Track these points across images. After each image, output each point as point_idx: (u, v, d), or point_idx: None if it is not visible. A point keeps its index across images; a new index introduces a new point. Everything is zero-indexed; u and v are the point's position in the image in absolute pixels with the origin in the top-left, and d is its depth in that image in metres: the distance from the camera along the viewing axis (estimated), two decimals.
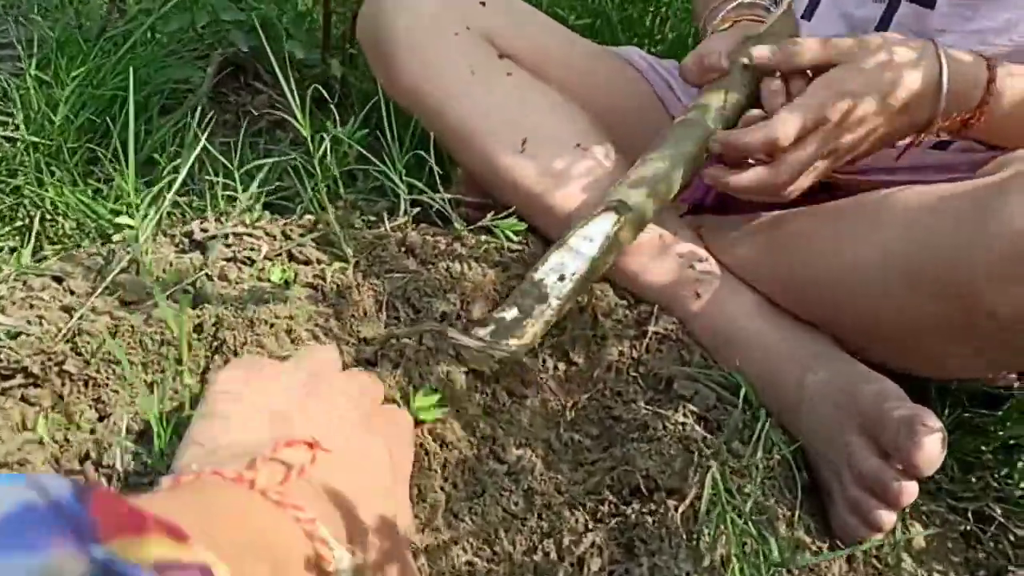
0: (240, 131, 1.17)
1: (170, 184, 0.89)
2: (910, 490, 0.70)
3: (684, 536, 0.68)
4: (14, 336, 0.70)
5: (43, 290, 0.76)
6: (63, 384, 0.67)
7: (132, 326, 0.71)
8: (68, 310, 0.73)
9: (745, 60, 0.87)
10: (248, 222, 0.89)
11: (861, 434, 0.74)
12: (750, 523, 0.67)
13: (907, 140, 0.86)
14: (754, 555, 0.66)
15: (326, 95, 1.03)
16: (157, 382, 0.69)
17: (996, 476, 0.87)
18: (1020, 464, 0.86)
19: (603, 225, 0.84)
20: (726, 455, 0.74)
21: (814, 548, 0.73)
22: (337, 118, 1.02)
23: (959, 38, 0.87)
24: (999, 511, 0.85)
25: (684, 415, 0.78)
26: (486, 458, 0.73)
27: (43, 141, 1.10)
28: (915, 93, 0.79)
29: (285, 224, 0.90)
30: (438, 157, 0.97)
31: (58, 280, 0.78)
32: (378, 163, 0.95)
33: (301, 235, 0.88)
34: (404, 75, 0.97)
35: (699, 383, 0.82)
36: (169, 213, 1.02)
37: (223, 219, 0.91)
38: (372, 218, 0.96)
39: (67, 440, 0.65)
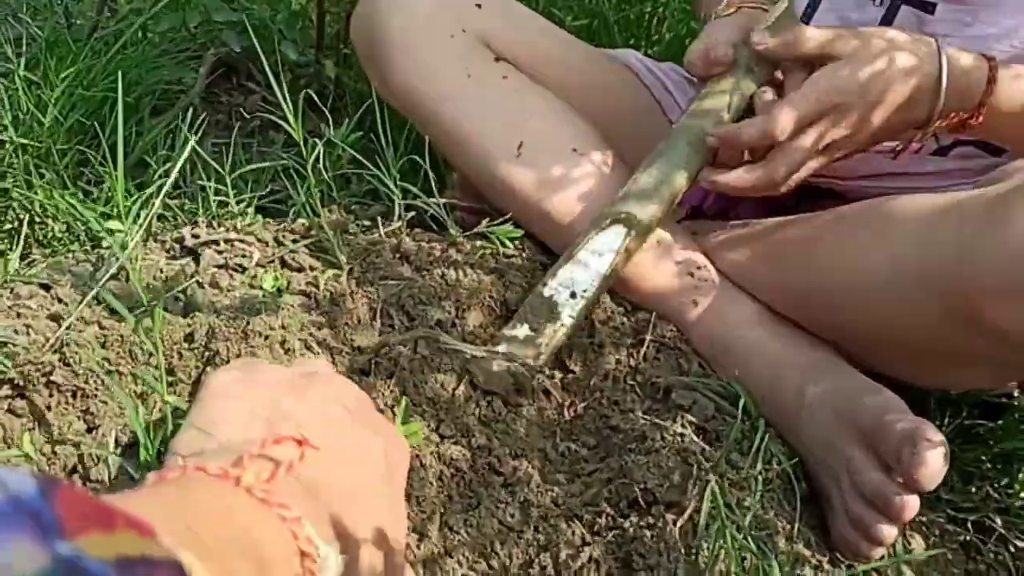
0: (232, 132, 1.16)
1: (160, 188, 0.88)
2: (912, 505, 0.69)
3: (683, 551, 0.67)
4: (0, 346, 0.68)
5: (31, 298, 0.74)
6: (50, 395, 0.66)
7: (121, 336, 0.69)
8: (56, 319, 0.72)
9: (753, 65, 0.86)
10: (240, 228, 0.88)
11: (862, 446, 0.73)
12: (749, 538, 0.67)
13: (906, 138, 0.85)
14: (754, 571, 0.65)
15: (318, 101, 1.01)
16: (146, 393, 0.67)
17: (996, 486, 0.86)
18: (1020, 475, 0.86)
19: (612, 239, 0.83)
20: (725, 467, 0.73)
21: (814, 562, 0.72)
22: (331, 121, 1.01)
23: (958, 43, 0.86)
24: (999, 522, 0.84)
25: (682, 425, 0.77)
26: (482, 469, 0.72)
27: (32, 143, 1.09)
28: (914, 89, 0.79)
29: (278, 230, 0.89)
30: (433, 161, 0.96)
31: (46, 288, 0.77)
32: (372, 167, 0.94)
33: (294, 241, 0.87)
34: (398, 76, 0.95)
35: (697, 392, 0.81)
36: (160, 217, 1.00)
37: (215, 224, 0.90)
38: (366, 223, 0.95)
39: (54, 453, 0.64)
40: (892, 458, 0.69)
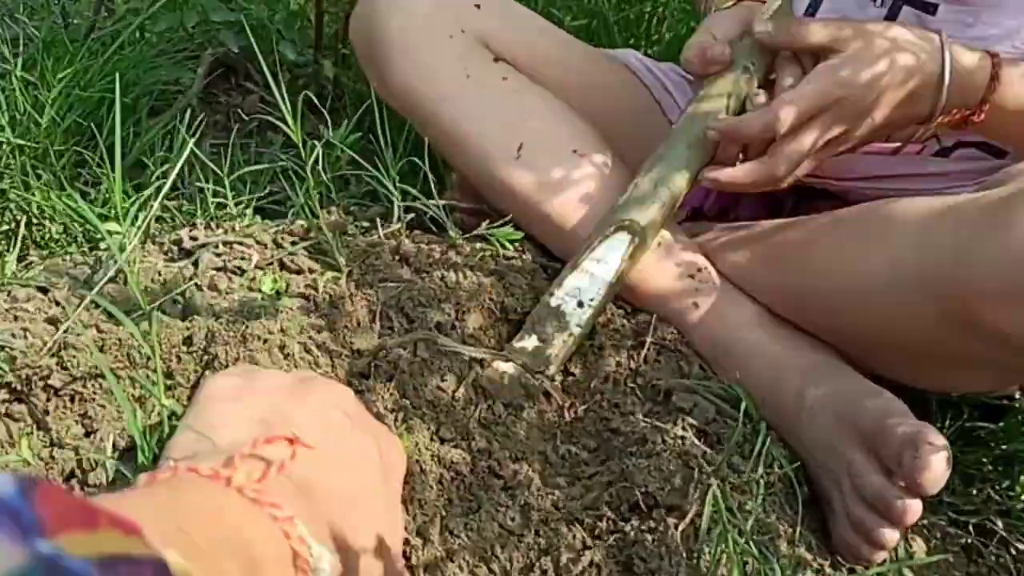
0: (230, 132, 1.15)
1: (158, 190, 0.87)
2: (914, 508, 0.69)
3: (684, 555, 0.67)
4: None
5: (28, 301, 0.74)
6: (48, 399, 0.66)
7: (119, 339, 0.69)
8: (53, 322, 0.72)
9: (747, 63, 0.86)
10: (238, 230, 0.87)
11: (863, 449, 0.73)
12: (751, 542, 0.66)
13: (907, 134, 0.85)
14: (756, 575, 0.65)
15: (317, 103, 1.01)
16: (144, 397, 0.67)
17: (998, 489, 0.86)
18: (1022, 477, 0.85)
19: (616, 246, 0.83)
20: (726, 471, 0.72)
21: (816, 566, 0.72)
22: (329, 122, 1.00)
23: (960, 44, 0.86)
24: (1000, 524, 0.84)
25: (683, 429, 0.76)
26: (482, 472, 0.71)
27: (29, 144, 1.08)
28: (917, 85, 0.78)
29: (276, 232, 0.89)
30: (432, 162, 0.95)
31: (43, 291, 0.76)
32: (371, 168, 0.93)
33: (293, 243, 0.87)
34: (397, 76, 0.95)
35: (698, 395, 0.81)
36: (158, 218, 1.00)
37: (213, 226, 0.89)
38: (365, 224, 0.95)
39: (52, 457, 0.63)
40: (894, 462, 0.69)
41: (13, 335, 0.69)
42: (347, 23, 1.30)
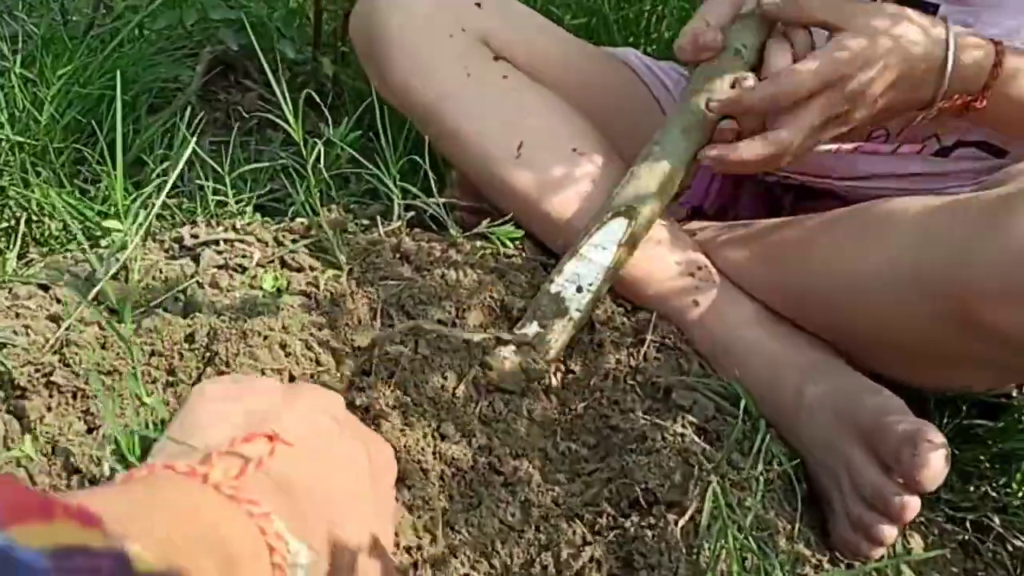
0: (230, 130, 1.16)
1: (159, 188, 0.87)
2: (912, 505, 0.69)
3: (684, 550, 0.68)
4: (0, 347, 0.68)
5: (29, 299, 0.74)
6: (51, 396, 0.66)
7: (121, 336, 0.69)
8: (55, 319, 0.72)
9: (739, 45, 0.86)
10: (239, 227, 0.88)
11: (862, 446, 0.73)
12: (751, 538, 0.67)
13: (909, 119, 0.85)
14: (755, 571, 0.66)
15: (318, 100, 1.01)
16: (147, 394, 0.67)
17: (995, 486, 0.87)
18: (1019, 474, 0.86)
19: (614, 232, 0.83)
20: (726, 468, 0.73)
21: (814, 561, 0.72)
22: (329, 120, 1.01)
23: None
24: (998, 521, 0.84)
25: (683, 426, 0.77)
26: (483, 469, 0.72)
27: (28, 141, 1.08)
28: (920, 67, 0.78)
29: (277, 229, 0.89)
30: (432, 161, 0.95)
31: (45, 288, 0.76)
32: (371, 167, 0.94)
33: (293, 241, 0.87)
34: (397, 74, 0.95)
35: (698, 392, 0.81)
36: (158, 216, 1.00)
37: (213, 224, 0.89)
38: (365, 222, 0.95)
39: (54, 453, 0.64)
40: (892, 459, 0.69)
41: (15, 332, 0.69)
42: (346, 21, 1.30)
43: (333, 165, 1.00)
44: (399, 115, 1.03)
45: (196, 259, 0.83)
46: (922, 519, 0.82)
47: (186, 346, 0.70)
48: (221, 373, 0.68)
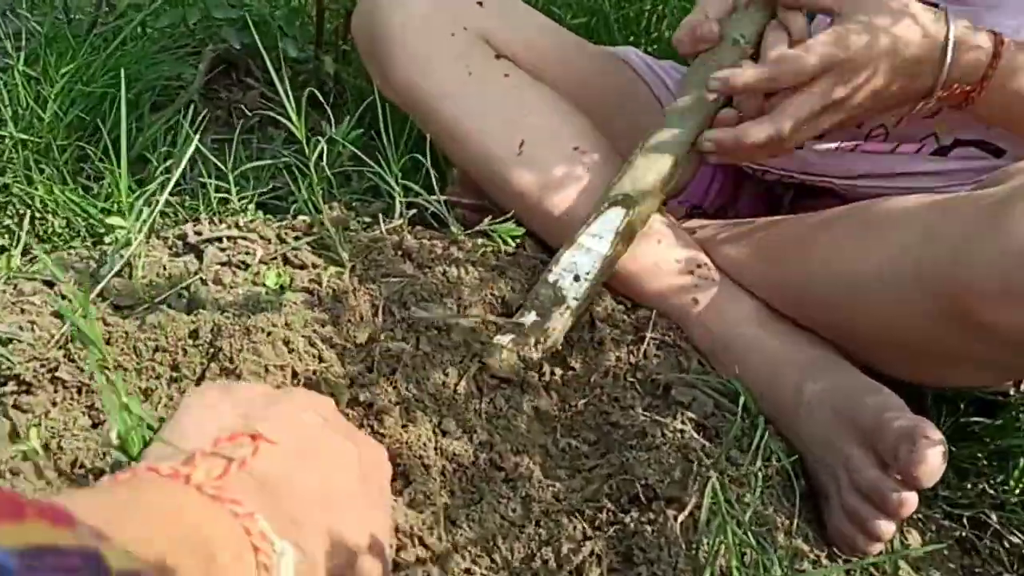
0: (232, 128, 1.16)
1: (162, 185, 0.88)
2: (910, 501, 0.70)
3: (683, 546, 0.68)
4: (6, 342, 0.68)
5: (34, 295, 0.75)
6: (56, 391, 0.66)
7: (126, 332, 0.70)
8: (60, 315, 0.72)
9: (737, 35, 0.86)
10: (242, 225, 0.88)
11: (861, 444, 0.74)
12: (749, 533, 0.67)
13: (907, 110, 0.85)
14: (754, 565, 0.66)
15: (320, 98, 1.02)
16: (151, 389, 0.68)
17: (992, 483, 0.87)
18: (1016, 471, 0.86)
19: (611, 221, 0.84)
20: (725, 464, 0.73)
21: (812, 557, 0.73)
22: (332, 118, 1.01)
23: None
24: (995, 518, 0.85)
25: (682, 422, 0.77)
26: (484, 464, 0.72)
27: (32, 138, 1.09)
28: (921, 55, 0.79)
29: (280, 227, 0.89)
30: (434, 158, 0.96)
31: (49, 284, 0.77)
32: (373, 165, 0.94)
33: (296, 238, 0.87)
34: (399, 72, 0.96)
35: (697, 390, 0.82)
36: (162, 213, 1.00)
37: (216, 221, 0.90)
38: (367, 220, 0.96)
39: (60, 448, 0.64)
40: (890, 455, 0.70)
41: (20, 328, 0.70)
42: (348, 20, 1.31)
43: (335, 163, 1.01)
44: (401, 113, 1.03)
45: (199, 256, 0.83)
46: (920, 516, 0.83)
47: (190, 342, 0.71)
48: (225, 369, 0.69)
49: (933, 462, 0.67)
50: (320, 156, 0.88)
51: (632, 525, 0.69)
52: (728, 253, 0.92)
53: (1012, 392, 0.91)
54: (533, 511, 0.70)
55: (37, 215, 1.05)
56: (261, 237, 0.87)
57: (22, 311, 0.73)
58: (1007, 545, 0.84)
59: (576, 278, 0.83)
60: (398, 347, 0.76)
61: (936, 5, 0.87)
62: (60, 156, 1.10)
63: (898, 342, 0.79)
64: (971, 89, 0.81)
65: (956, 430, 0.89)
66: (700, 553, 0.68)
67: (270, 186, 1.12)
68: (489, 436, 0.74)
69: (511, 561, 0.67)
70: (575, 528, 0.70)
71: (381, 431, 0.71)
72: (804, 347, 0.85)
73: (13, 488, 0.60)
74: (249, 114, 1.30)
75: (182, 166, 0.85)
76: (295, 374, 0.71)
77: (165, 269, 0.80)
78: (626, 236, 0.85)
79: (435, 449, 0.71)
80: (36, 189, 1.03)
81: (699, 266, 0.90)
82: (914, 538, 0.80)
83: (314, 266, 0.84)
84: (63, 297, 0.75)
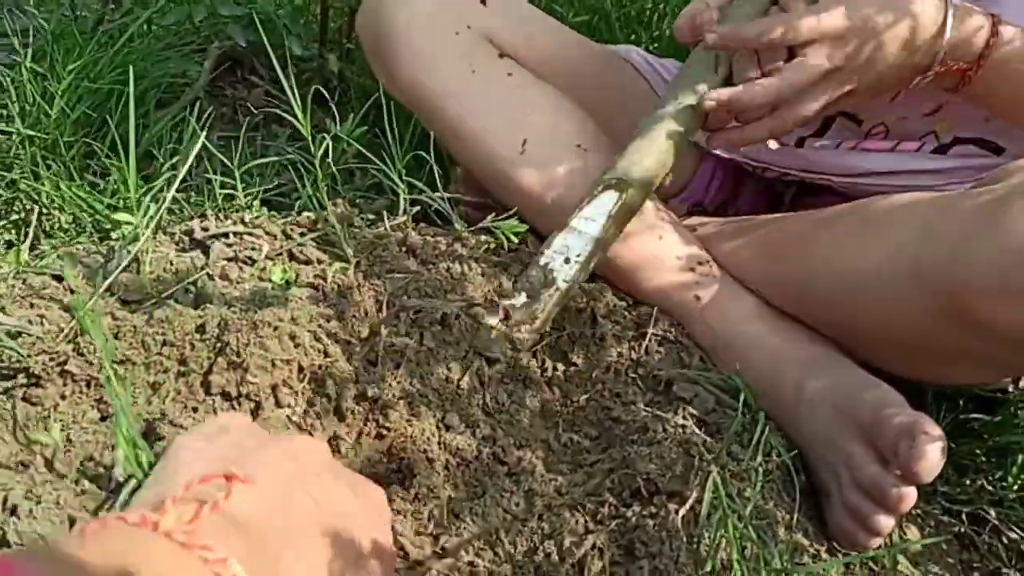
0: (237, 125, 1.17)
1: (170, 181, 0.89)
2: (909, 496, 0.70)
3: (684, 539, 0.69)
4: (15, 336, 0.69)
5: (43, 289, 0.75)
6: (65, 384, 0.67)
7: (134, 326, 0.71)
8: (69, 310, 0.73)
9: (734, 15, 0.87)
10: (248, 221, 0.89)
11: (862, 442, 0.74)
12: (750, 527, 0.68)
13: (905, 84, 0.85)
14: (754, 559, 0.67)
15: (326, 94, 1.02)
16: (159, 383, 0.69)
17: (990, 479, 0.88)
18: (1014, 468, 0.87)
19: (604, 204, 0.84)
20: (726, 459, 0.74)
21: (812, 551, 0.74)
22: (336, 115, 1.02)
23: None
24: (993, 514, 0.85)
25: (684, 418, 0.78)
26: (487, 459, 0.73)
27: (39, 134, 1.09)
28: (920, 30, 0.79)
29: (285, 223, 0.90)
30: (438, 156, 0.97)
31: (58, 279, 0.78)
32: (377, 162, 0.95)
33: (301, 234, 0.88)
34: (404, 71, 0.96)
35: (699, 385, 0.83)
36: (168, 209, 1.01)
37: (222, 217, 0.91)
38: (371, 216, 0.96)
39: (69, 440, 0.65)
40: (890, 451, 0.70)
41: (30, 321, 0.71)
42: (352, 18, 1.31)
43: (340, 160, 1.01)
44: (405, 111, 1.04)
45: (206, 252, 0.84)
46: (919, 511, 0.83)
47: (197, 336, 0.71)
48: (232, 363, 0.69)
49: (932, 457, 0.68)
50: (325, 153, 0.89)
51: (634, 519, 0.70)
52: (729, 250, 0.92)
53: (1011, 389, 0.91)
54: (536, 505, 0.70)
55: (44, 211, 1.05)
56: (267, 233, 0.88)
57: (31, 305, 0.73)
58: (1005, 541, 0.85)
59: (567, 260, 0.83)
60: (402, 342, 0.77)
61: None
62: (67, 152, 1.11)
63: (897, 340, 0.80)
64: (968, 68, 0.82)
65: (955, 427, 0.90)
66: (701, 547, 0.68)
67: (275, 183, 1.13)
68: (492, 431, 0.75)
69: (514, 554, 0.68)
70: (577, 522, 0.70)
71: (386, 425, 0.72)
72: (805, 344, 0.86)
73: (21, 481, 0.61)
74: (254, 111, 1.31)
75: (189, 162, 0.85)
76: (301, 368, 0.72)
77: (172, 264, 0.81)
78: (619, 219, 0.85)
79: (439, 443, 0.72)
80: (43, 185, 1.04)
81: (700, 263, 0.91)
82: (913, 533, 0.81)
83: (319, 262, 0.85)
84: (72, 291, 0.76)
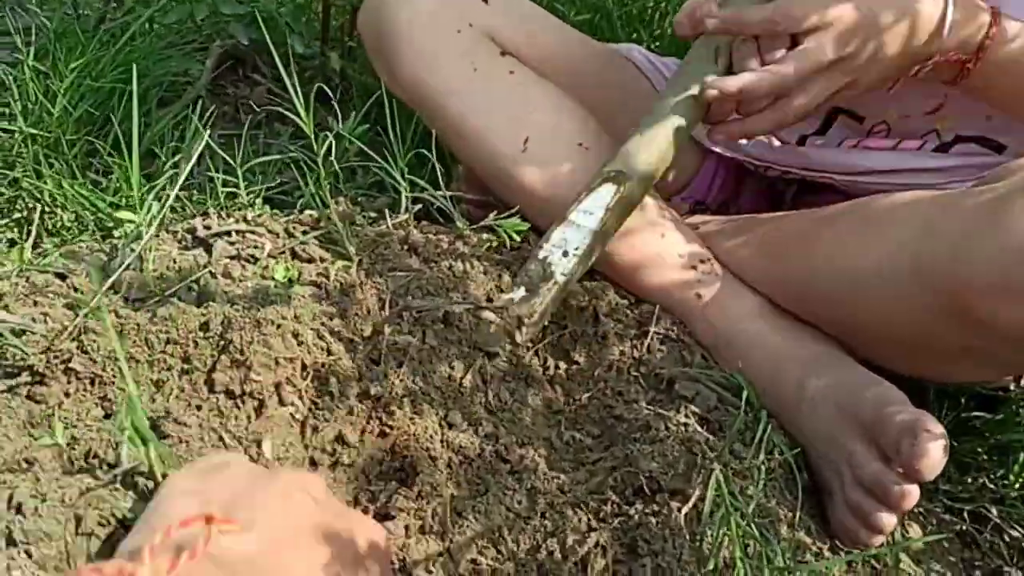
0: (239, 123, 1.17)
1: (171, 179, 0.89)
2: (912, 494, 0.70)
3: (687, 537, 0.69)
4: (19, 334, 0.69)
5: (47, 287, 0.76)
6: (69, 382, 0.67)
7: (137, 324, 0.71)
8: (73, 307, 0.73)
9: (734, 7, 0.87)
10: (250, 219, 0.89)
11: (864, 440, 0.74)
12: (752, 525, 0.68)
13: (905, 72, 0.85)
14: (757, 557, 0.67)
15: (328, 92, 1.03)
16: (162, 381, 0.69)
17: (992, 477, 0.88)
18: (1016, 466, 0.87)
19: (602, 197, 0.84)
20: (728, 457, 0.74)
21: (815, 549, 0.74)
22: (338, 113, 1.02)
23: None
24: (995, 512, 0.86)
25: (686, 416, 0.78)
26: (489, 457, 0.73)
27: (41, 133, 1.10)
28: (921, 20, 0.79)
29: (287, 221, 0.90)
30: (440, 154, 0.97)
31: (62, 277, 0.78)
32: (379, 160, 0.95)
33: (304, 232, 0.88)
34: (406, 68, 0.96)
35: (700, 384, 0.83)
36: (170, 207, 1.01)
37: (225, 215, 0.91)
38: (374, 214, 0.96)
39: (73, 438, 0.65)
40: (892, 449, 0.71)
41: (34, 319, 0.71)
42: (354, 16, 1.31)
43: (342, 158, 1.01)
44: (407, 109, 1.04)
45: (209, 250, 0.84)
46: (921, 509, 0.84)
47: (201, 334, 0.71)
48: (235, 361, 0.70)
49: (934, 455, 0.68)
50: (327, 151, 0.89)
51: (636, 517, 0.70)
52: (731, 249, 0.92)
53: (1012, 387, 0.92)
54: (538, 503, 0.71)
55: (46, 209, 1.06)
56: (269, 231, 0.88)
57: (35, 303, 0.73)
58: (1007, 539, 0.85)
59: (565, 254, 0.83)
60: (405, 340, 0.77)
61: None
62: (69, 151, 1.11)
63: (899, 338, 0.80)
64: (967, 60, 0.82)
65: (957, 425, 0.90)
66: (704, 544, 0.69)
67: (277, 181, 1.13)
68: (495, 429, 0.75)
69: (517, 552, 0.68)
70: (580, 520, 0.70)
71: (389, 423, 0.72)
72: (807, 343, 0.86)
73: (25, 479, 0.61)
74: (256, 110, 1.31)
75: (192, 160, 0.85)
76: (304, 366, 0.72)
77: (175, 263, 0.81)
78: (618, 212, 0.85)
79: (441, 441, 0.72)
80: (45, 183, 1.04)
81: (702, 261, 0.91)
82: (915, 531, 0.81)
83: (322, 260, 0.85)
84: (75, 289, 0.76)
